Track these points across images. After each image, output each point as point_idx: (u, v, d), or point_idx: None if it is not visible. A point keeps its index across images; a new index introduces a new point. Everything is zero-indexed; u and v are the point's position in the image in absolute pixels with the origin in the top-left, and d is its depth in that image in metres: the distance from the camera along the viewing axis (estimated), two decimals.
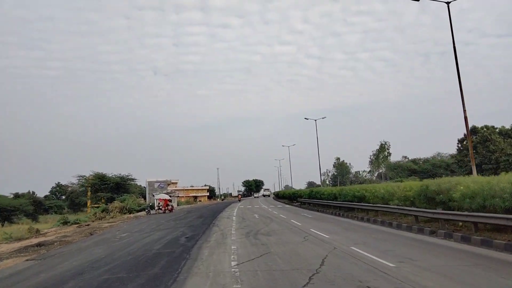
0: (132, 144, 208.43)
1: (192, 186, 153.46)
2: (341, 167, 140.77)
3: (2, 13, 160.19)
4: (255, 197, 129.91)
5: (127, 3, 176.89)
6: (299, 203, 44.65)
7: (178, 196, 73.35)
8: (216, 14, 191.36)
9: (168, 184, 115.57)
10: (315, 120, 47.37)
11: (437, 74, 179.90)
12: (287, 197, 63.55)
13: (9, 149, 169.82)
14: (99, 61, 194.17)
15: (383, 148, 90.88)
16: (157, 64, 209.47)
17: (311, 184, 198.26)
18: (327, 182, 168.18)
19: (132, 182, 69.70)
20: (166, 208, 40.61)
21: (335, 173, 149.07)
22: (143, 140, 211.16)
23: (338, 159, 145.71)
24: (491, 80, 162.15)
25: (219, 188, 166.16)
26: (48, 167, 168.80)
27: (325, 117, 49.80)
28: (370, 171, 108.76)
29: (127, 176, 66.79)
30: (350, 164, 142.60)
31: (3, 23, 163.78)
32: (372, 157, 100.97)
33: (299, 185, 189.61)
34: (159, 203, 41.13)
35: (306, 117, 47.96)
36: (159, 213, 40.85)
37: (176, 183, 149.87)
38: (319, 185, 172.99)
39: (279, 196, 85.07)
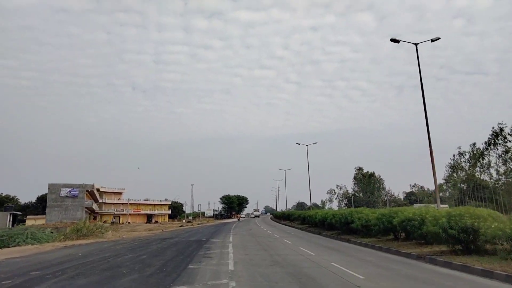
0: (103, 158, 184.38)
1: (146, 200, 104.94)
2: (368, 182, 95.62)
3: None
4: (251, 217, 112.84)
5: (108, 19, 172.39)
6: None
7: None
8: (198, 35, 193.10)
9: (89, 191, 66.85)
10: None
11: (410, 106, 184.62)
12: (313, 223, 33.10)
13: None
14: (76, 74, 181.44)
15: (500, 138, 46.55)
16: (135, 80, 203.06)
17: (300, 205, 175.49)
18: (337, 204, 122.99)
19: None
20: None
21: (355, 190, 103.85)
22: (114, 155, 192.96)
23: (360, 169, 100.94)
24: (460, 114, 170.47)
25: (192, 206, 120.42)
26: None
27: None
28: (445, 187, 64.97)
29: None
30: (380, 177, 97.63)
31: None
32: (462, 159, 56.74)
33: (283, 206, 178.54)
34: None
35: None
36: None
37: (121, 193, 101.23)
38: (309, 207, 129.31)
39: (284, 218, 65.04)
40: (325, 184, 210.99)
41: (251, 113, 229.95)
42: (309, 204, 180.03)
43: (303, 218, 39.01)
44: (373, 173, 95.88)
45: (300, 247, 17.16)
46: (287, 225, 48.11)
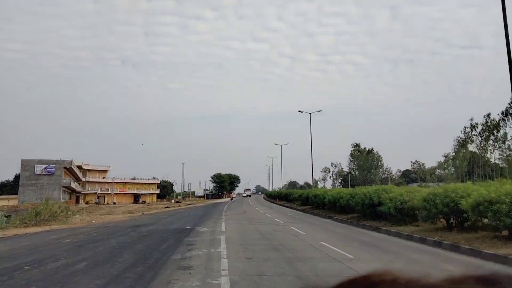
0: (91, 135, 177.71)
1: (134, 179, 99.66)
2: (366, 159, 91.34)
3: None
4: (243, 196, 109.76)
5: None
6: None
7: None
8: (190, 4, 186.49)
9: (67, 168, 60.97)
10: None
11: (403, 82, 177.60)
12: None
13: None
14: (64, 46, 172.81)
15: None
16: (125, 53, 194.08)
17: (292, 184, 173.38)
18: (331, 183, 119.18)
19: None
20: None
21: (351, 168, 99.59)
22: (101, 131, 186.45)
23: (357, 145, 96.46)
24: (452, 91, 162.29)
25: (182, 185, 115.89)
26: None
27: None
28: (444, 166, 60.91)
29: None
30: (378, 154, 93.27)
31: None
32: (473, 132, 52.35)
33: (275, 185, 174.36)
34: None
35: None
36: None
37: (106, 171, 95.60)
38: (301, 187, 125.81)
39: (279, 197, 59.41)
40: (318, 163, 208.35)
41: (245, 89, 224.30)
42: (300, 183, 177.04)
43: (305, 198, 34.22)
44: (372, 149, 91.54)
45: (322, 241, 12.22)
46: (284, 206, 43.61)
